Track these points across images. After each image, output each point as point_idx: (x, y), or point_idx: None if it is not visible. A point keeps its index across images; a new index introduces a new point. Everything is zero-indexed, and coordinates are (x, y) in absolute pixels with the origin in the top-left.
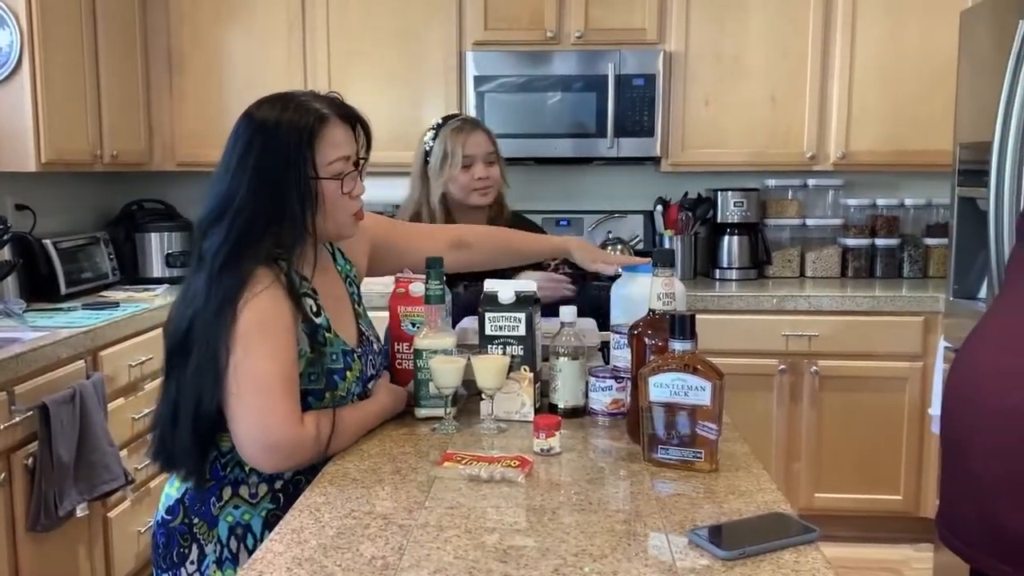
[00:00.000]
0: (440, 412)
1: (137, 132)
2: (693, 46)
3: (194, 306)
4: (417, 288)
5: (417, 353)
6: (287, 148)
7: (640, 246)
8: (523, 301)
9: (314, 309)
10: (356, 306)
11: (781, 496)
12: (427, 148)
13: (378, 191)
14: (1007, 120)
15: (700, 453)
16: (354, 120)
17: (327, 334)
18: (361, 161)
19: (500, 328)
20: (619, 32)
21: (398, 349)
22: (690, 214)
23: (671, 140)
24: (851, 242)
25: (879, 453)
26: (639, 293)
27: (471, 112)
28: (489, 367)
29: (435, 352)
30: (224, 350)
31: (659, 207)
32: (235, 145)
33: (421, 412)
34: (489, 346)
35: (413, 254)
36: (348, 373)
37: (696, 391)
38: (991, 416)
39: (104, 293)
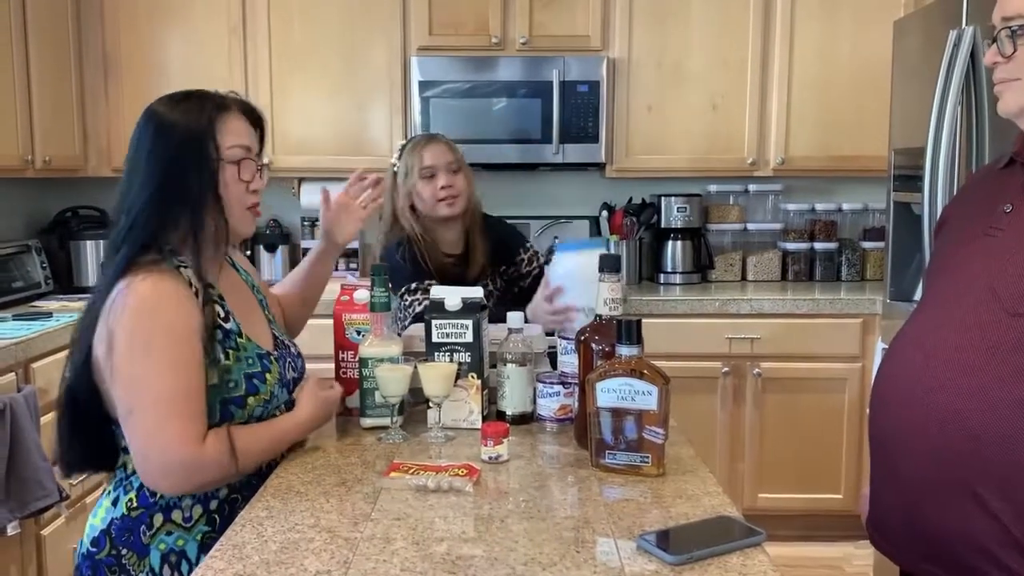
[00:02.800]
0: (386, 421)
1: (71, 137)
2: (636, 53)
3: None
4: (361, 295)
5: (362, 362)
6: (185, 133)
7: None
8: (470, 308)
9: (222, 315)
10: (265, 312)
11: (727, 499)
12: (394, 169)
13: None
14: (939, 127)
15: (647, 457)
16: (254, 118)
17: (239, 339)
18: (260, 163)
19: (447, 335)
20: (563, 39)
21: (343, 358)
22: (635, 219)
23: (615, 146)
24: (791, 246)
25: (820, 453)
26: (578, 271)
27: (416, 117)
28: (436, 375)
29: (381, 360)
30: (103, 342)
31: (604, 212)
32: (134, 144)
33: (367, 422)
34: (436, 353)
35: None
36: (268, 376)
37: (643, 396)
38: (912, 418)
39: (36, 303)
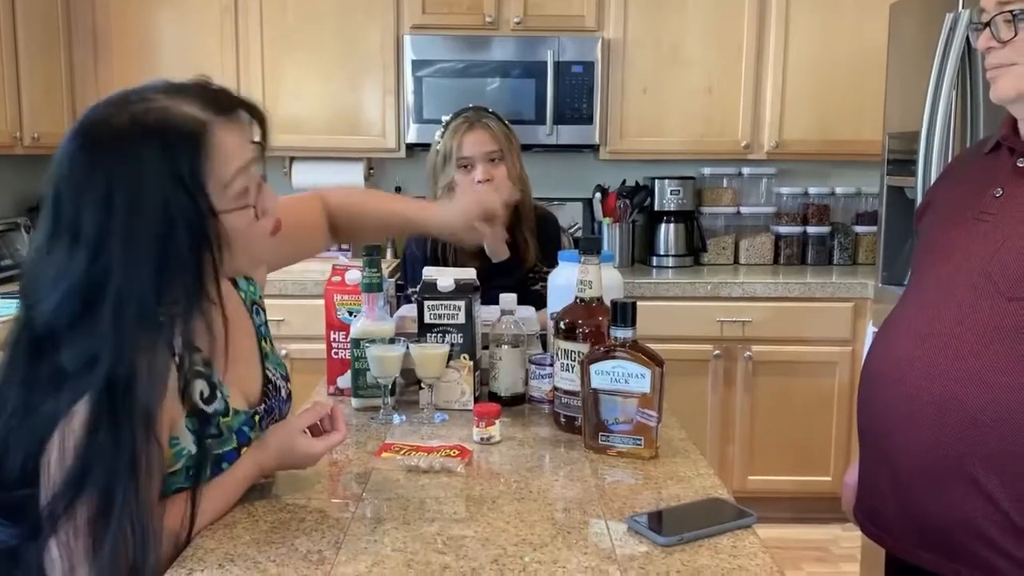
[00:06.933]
0: (378, 402)
1: (60, 115)
2: (631, 34)
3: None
4: (353, 276)
5: (354, 342)
6: (163, 190)
7: (579, 234)
8: (463, 289)
9: (206, 393)
10: (262, 342)
11: (718, 481)
12: (436, 148)
13: (316, 176)
14: (934, 111)
15: (640, 440)
16: (238, 108)
17: (223, 419)
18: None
19: (439, 316)
20: (558, 19)
21: (334, 338)
22: (628, 202)
23: (609, 128)
24: (783, 230)
25: (810, 436)
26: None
27: (409, 96)
28: (428, 356)
29: (372, 341)
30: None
31: (598, 195)
32: (79, 199)
33: (358, 402)
34: (428, 334)
35: (296, 242)
36: (244, 449)
37: (636, 378)
38: (907, 404)
39: None
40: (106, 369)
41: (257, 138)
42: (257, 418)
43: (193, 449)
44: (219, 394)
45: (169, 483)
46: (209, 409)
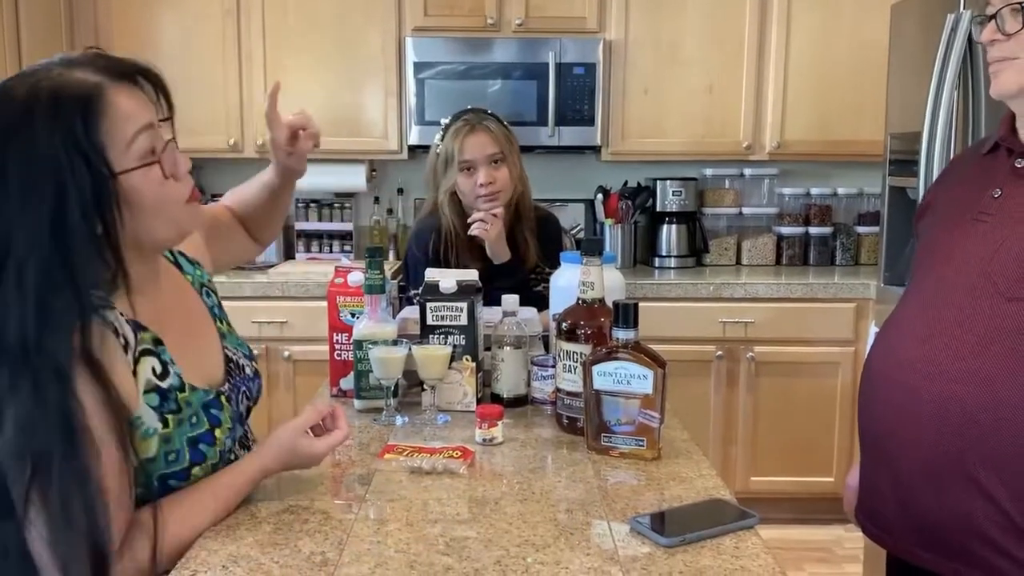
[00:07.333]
0: (381, 404)
1: None
2: (632, 35)
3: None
4: (355, 278)
5: (357, 344)
6: (56, 154)
7: (581, 235)
8: (465, 290)
9: (158, 370)
10: (218, 323)
11: (721, 482)
12: (437, 151)
13: (318, 177)
14: (935, 111)
15: (642, 441)
16: (137, 75)
17: (180, 394)
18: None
19: (442, 318)
20: (559, 20)
21: (337, 340)
22: (630, 203)
23: (611, 129)
24: (785, 230)
25: (813, 436)
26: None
27: (411, 99)
28: (431, 357)
29: (375, 343)
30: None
31: (600, 196)
32: None
33: (361, 404)
34: (431, 336)
35: (226, 237)
36: (217, 431)
37: (639, 379)
38: (908, 404)
39: None
40: (16, 335)
41: (165, 114)
42: (223, 398)
43: (159, 427)
44: (170, 368)
45: (151, 471)
46: (164, 384)
